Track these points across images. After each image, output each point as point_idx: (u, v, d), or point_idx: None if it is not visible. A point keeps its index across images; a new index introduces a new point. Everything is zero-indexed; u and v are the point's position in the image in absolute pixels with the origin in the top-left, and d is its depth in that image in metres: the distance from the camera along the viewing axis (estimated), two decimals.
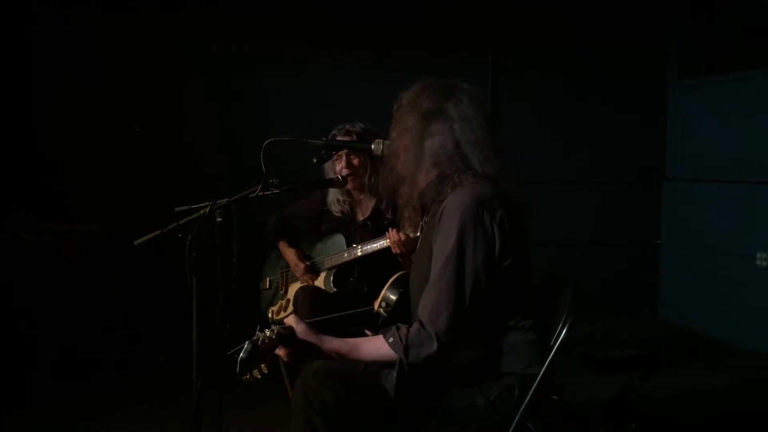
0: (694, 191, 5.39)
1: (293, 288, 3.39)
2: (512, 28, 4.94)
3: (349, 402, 1.91)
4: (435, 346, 1.84)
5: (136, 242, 2.41)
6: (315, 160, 2.55)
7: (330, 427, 1.89)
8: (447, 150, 1.97)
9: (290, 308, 3.31)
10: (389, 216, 3.16)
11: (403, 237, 2.80)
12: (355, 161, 3.19)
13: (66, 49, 4.71)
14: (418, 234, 2.19)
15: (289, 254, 3.42)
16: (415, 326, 1.88)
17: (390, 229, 2.88)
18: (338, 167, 3.20)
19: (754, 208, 4.79)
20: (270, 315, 3.50)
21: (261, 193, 2.37)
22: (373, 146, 2.48)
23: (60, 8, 4.68)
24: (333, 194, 3.32)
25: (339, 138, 3.15)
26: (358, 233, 3.24)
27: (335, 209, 3.32)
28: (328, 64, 5.03)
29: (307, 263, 3.36)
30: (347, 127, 3.21)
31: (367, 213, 3.28)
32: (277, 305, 3.50)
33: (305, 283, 3.33)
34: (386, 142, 2.46)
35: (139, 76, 4.82)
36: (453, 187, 1.95)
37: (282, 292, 3.51)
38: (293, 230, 3.48)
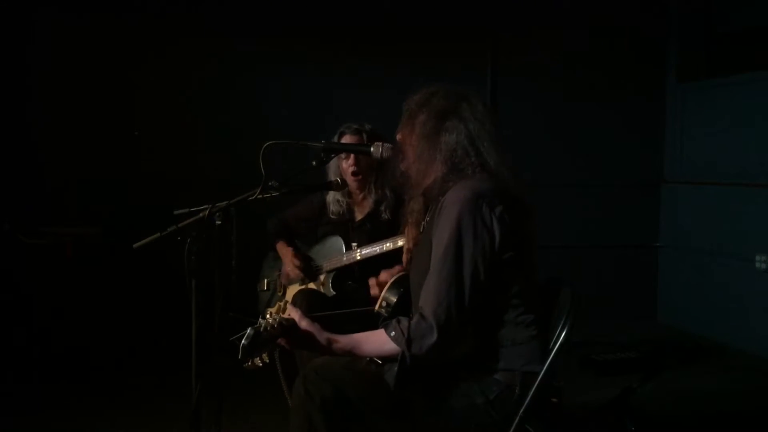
0: (692, 194, 5.39)
1: (291, 290, 3.38)
2: (511, 31, 4.95)
3: (349, 398, 1.92)
4: (436, 336, 1.84)
5: (135, 245, 2.40)
6: (314, 162, 2.55)
7: (330, 424, 1.89)
8: (463, 144, 2.01)
9: None
10: (387, 216, 3.15)
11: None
12: (364, 161, 3.15)
13: (65, 50, 4.71)
14: (420, 231, 2.19)
15: (286, 253, 3.38)
16: (416, 318, 1.88)
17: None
18: (345, 165, 3.18)
19: (754, 211, 4.79)
20: (268, 317, 3.48)
21: (260, 196, 2.37)
22: (372, 149, 2.49)
23: (60, 9, 4.68)
24: (332, 195, 3.30)
25: (348, 135, 3.16)
26: (355, 234, 3.23)
27: (333, 209, 3.31)
28: (329, 67, 5.03)
29: (302, 262, 3.31)
30: (355, 126, 3.20)
31: (365, 213, 3.27)
32: (275, 307, 3.49)
33: (302, 284, 3.32)
34: (386, 144, 2.46)
35: (139, 78, 4.82)
36: (459, 181, 1.96)
37: (280, 293, 3.50)
38: (293, 232, 3.47)
